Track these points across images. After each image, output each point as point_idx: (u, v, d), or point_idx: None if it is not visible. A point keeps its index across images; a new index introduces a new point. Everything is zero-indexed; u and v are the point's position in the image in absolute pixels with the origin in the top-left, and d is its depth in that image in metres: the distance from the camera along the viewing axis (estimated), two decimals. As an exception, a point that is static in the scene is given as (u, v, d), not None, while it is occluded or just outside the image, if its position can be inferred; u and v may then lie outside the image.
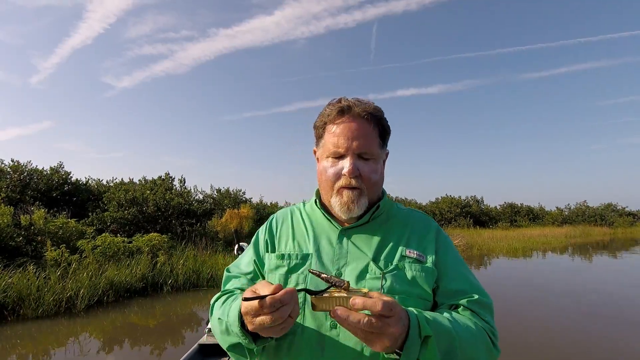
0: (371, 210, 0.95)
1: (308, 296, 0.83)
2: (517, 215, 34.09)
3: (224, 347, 0.85)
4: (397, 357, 0.69)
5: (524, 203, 36.15)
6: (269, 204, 20.10)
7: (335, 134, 0.92)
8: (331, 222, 0.97)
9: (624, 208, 38.40)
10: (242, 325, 0.75)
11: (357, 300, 0.64)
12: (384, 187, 1.03)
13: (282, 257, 0.94)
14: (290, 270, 0.92)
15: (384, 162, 1.01)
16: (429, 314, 0.76)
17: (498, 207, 35.02)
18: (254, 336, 0.76)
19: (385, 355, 0.70)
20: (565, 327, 5.92)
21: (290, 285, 0.89)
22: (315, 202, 1.03)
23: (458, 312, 0.86)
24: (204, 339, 3.69)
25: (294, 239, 0.98)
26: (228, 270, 1.04)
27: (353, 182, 0.90)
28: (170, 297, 8.52)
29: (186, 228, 13.95)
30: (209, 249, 11.79)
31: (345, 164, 0.90)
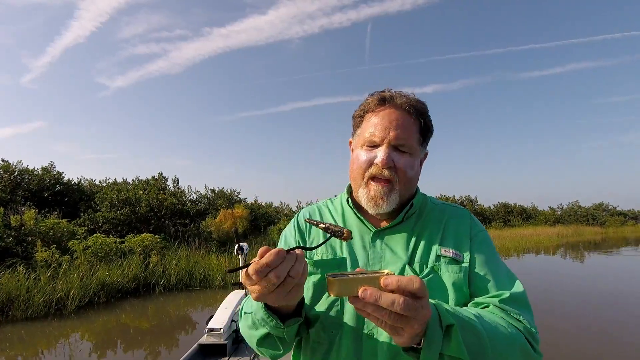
0: (404, 209, 0.89)
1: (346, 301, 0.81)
2: (510, 215, 34.32)
3: (255, 346, 0.82)
4: (416, 353, 0.61)
5: (517, 203, 36.49)
6: (263, 204, 20.04)
7: (373, 123, 0.87)
8: (364, 222, 0.91)
9: (615, 208, 38.90)
10: (268, 307, 0.71)
11: (392, 279, 0.55)
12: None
13: (315, 264, 0.87)
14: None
15: (422, 162, 0.95)
16: (448, 305, 0.67)
17: (492, 207, 35.26)
18: (281, 319, 0.72)
19: (404, 353, 0.63)
20: (566, 324, 5.98)
21: (328, 296, 0.84)
22: (348, 200, 0.97)
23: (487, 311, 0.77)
24: (204, 339, 3.70)
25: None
26: None
27: (386, 172, 0.84)
28: (163, 297, 8.47)
29: (179, 228, 13.87)
30: (202, 249, 11.75)
31: (380, 153, 0.84)
